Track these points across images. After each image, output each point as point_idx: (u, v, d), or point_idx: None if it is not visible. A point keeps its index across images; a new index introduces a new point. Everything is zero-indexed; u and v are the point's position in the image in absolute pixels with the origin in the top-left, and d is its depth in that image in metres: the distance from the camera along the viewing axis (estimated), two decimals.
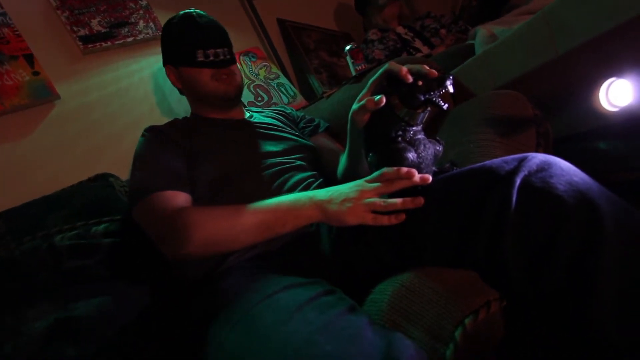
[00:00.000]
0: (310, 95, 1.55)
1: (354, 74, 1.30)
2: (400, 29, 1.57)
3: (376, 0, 1.58)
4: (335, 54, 1.74)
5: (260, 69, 1.47)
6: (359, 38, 1.91)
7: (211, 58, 0.77)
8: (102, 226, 0.69)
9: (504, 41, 0.76)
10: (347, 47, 1.27)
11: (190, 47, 0.77)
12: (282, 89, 1.46)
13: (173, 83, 0.85)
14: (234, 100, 0.82)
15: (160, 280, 0.66)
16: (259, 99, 1.38)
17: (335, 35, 1.85)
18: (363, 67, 1.26)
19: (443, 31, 1.53)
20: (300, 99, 1.46)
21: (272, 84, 1.45)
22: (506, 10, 1.50)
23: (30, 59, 1.07)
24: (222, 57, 0.78)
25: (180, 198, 0.64)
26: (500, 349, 0.45)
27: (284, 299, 0.42)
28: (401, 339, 0.34)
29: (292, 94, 1.46)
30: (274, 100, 1.41)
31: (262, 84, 1.43)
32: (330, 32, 1.84)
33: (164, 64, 0.85)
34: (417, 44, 1.50)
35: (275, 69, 1.52)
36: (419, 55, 1.47)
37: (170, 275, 0.66)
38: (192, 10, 0.80)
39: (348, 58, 1.28)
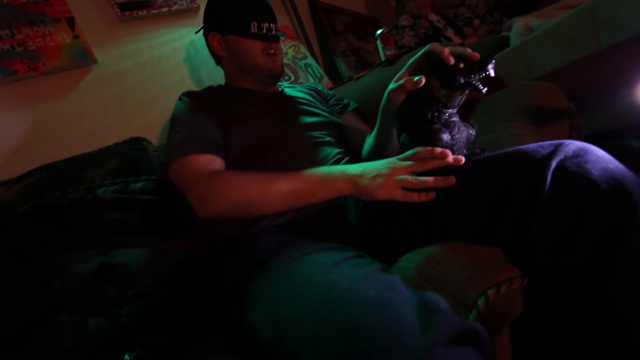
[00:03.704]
0: (336, 78, 1.56)
1: (382, 59, 1.30)
2: (432, 16, 1.55)
3: None
4: (363, 38, 1.73)
5: (289, 48, 1.48)
6: (387, 23, 1.88)
7: (264, 31, 0.79)
8: (140, 184, 0.73)
9: (543, 32, 0.76)
10: (379, 32, 1.26)
11: (244, 17, 0.78)
12: (309, 70, 1.47)
13: (216, 51, 0.84)
14: (278, 77, 0.84)
15: (192, 238, 0.70)
16: (286, 77, 1.40)
17: (364, 19, 1.83)
18: (393, 52, 1.25)
19: (477, 21, 1.50)
20: (327, 81, 1.47)
21: (300, 64, 1.46)
22: (543, 4, 1.46)
23: (71, 22, 1.10)
24: (273, 32, 0.80)
25: (216, 162, 0.67)
26: (516, 324, 0.48)
27: (319, 257, 0.45)
28: (433, 294, 0.37)
29: (318, 75, 1.47)
30: (301, 80, 1.42)
31: (290, 63, 1.44)
32: (360, 16, 1.82)
33: (208, 31, 0.85)
34: (449, 32, 1.48)
35: (303, 49, 1.52)
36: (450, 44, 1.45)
37: (201, 235, 0.69)
38: None
39: (378, 42, 1.27)
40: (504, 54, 0.84)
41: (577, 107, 0.66)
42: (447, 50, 0.52)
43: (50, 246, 0.60)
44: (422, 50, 0.57)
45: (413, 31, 1.49)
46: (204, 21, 0.87)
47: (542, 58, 0.75)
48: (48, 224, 0.62)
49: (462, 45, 1.31)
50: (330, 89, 1.28)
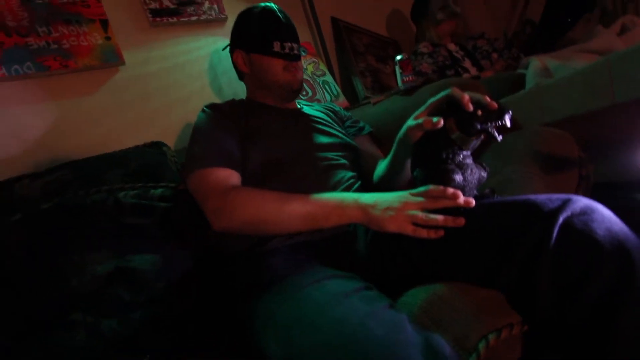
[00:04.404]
0: (352, 97, 1.59)
1: (399, 84, 1.33)
2: (452, 46, 1.58)
3: (434, 15, 1.59)
4: (382, 60, 1.76)
5: (309, 64, 1.52)
6: (406, 47, 1.92)
7: (286, 50, 0.82)
8: (159, 190, 0.76)
9: (560, 79, 0.78)
10: (398, 57, 1.30)
11: (268, 37, 0.82)
12: (327, 87, 1.50)
13: (240, 67, 0.88)
14: (297, 92, 0.87)
15: (205, 248, 0.73)
16: (304, 93, 1.43)
17: (385, 42, 1.87)
18: (410, 78, 1.28)
19: (495, 55, 1.54)
20: (343, 100, 1.50)
21: (318, 81, 1.50)
22: (563, 44, 1.49)
23: (105, 24, 1.15)
24: (295, 52, 0.84)
25: (234, 177, 0.70)
26: None
27: (331, 286, 0.47)
28: (438, 337, 0.38)
29: (335, 93, 1.51)
30: (318, 96, 1.45)
31: (309, 79, 1.48)
32: (380, 38, 1.87)
33: (233, 48, 0.89)
34: (467, 64, 1.51)
35: (322, 66, 1.56)
36: (466, 75, 1.49)
37: (214, 245, 0.72)
38: (273, 5, 0.85)
39: (397, 68, 1.30)
40: (520, 96, 0.86)
41: (588, 157, 0.68)
42: (466, 97, 0.55)
43: (70, 245, 0.63)
44: (443, 93, 0.59)
45: (431, 59, 1.52)
46: (231, 39, 0.91)
47: (558, 104, 0.77)
48: (70, 223, 0.64)
49: (478, 77, 1.34)
50: (347, 109, 1.31)
